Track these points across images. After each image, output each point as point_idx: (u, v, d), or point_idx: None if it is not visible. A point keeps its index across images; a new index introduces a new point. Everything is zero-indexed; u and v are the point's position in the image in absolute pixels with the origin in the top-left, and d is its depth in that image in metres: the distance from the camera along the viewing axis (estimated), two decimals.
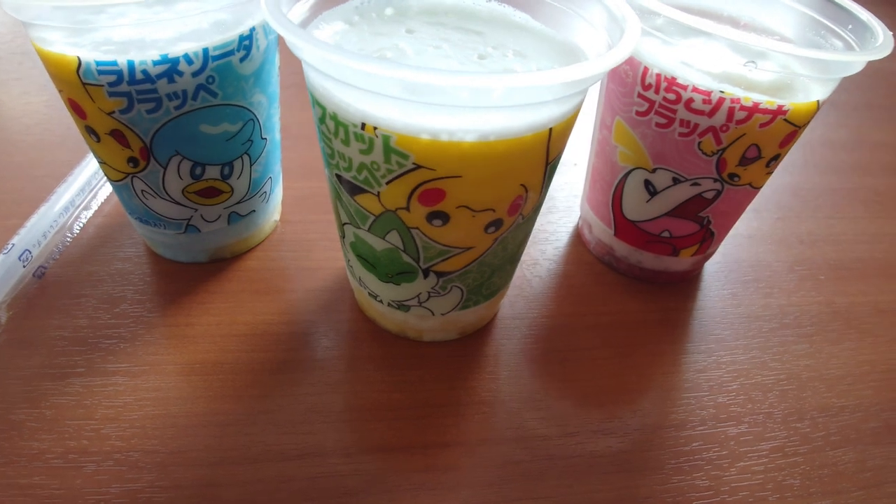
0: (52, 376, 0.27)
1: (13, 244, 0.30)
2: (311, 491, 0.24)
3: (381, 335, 0.30)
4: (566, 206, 0.39)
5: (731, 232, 0.37)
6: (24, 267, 0.30)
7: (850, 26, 0.27)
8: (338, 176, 0.23)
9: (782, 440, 0.27)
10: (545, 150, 0.21)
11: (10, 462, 0.24)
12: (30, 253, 0.31)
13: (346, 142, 0.21)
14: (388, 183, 0.21)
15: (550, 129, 0.21)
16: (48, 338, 0.28)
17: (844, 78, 0.26)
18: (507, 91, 0.18)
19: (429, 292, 0.26)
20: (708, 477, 0.26)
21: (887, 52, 0.24)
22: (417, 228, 0.22)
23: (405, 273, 0.25)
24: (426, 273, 0.24)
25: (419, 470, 0.25)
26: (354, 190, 0.22)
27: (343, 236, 0.26)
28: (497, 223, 0.23)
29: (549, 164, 0.23)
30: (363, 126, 0.20)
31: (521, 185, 0.22)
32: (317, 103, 0.21)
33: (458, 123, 0.19)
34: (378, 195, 0.22)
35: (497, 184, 0.21)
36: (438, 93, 0.18)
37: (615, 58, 0.19)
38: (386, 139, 0.20)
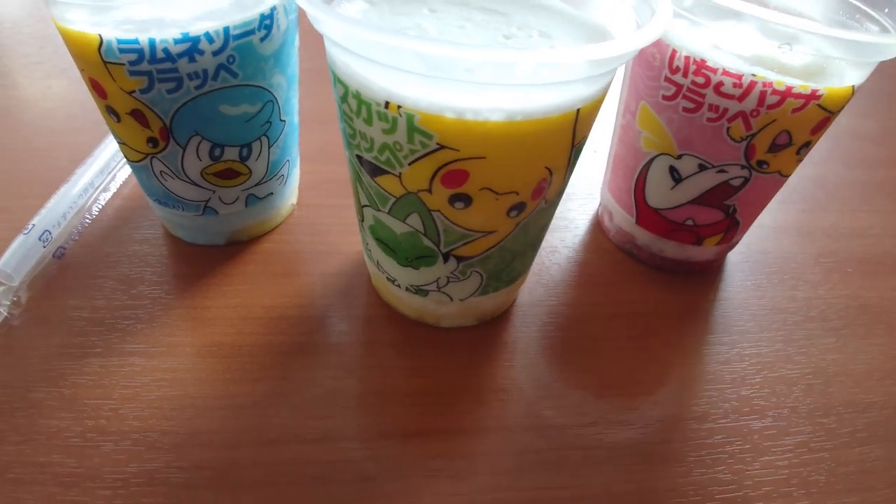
0: (70, 356, 0.27)
1: (34, 224, 0.30)
2: (330, 474, 0.24)
3: (398, 320, 0.29)
4: (586, 193, 0.39)
5: (755, 222, 0.36)
6: (44, 247, 0.30)
7: (886, 10, 0.26)
8: (358, 157, 0.22)
9: (807, 435, 0.27)
10: (572, 132, 0.21)
11: (29, 440, 0.24)
12: (50, 233, 0.31)
13: (369, 121, 0.20)
14: (410, 164, 0.21)
15: (578, 111, 0.20)
16: (67, 318, 0.28)
17: (879, 64, 0.25)
18: (536, 68, 0.17)
19: (448, 277, 0.25)
20: (731, 471, 0.25)
21: None
22: (439, 211, 0.22)
23: (425, 257, 0.24)
24: (446, 257, 0.24)
25: (436, 456, 0.25)
26: (375, 171, 0.22)
27: (362, 219, 0.26)
28: (520, 207, 0.22)
29: (575, 147, 0.22)
30: (387, 105, 0.19)
31: (546, 167, 0.22)
32: (338, 81, 0.21)
33: (485, 102, 0.19)
34: (399, 176, 0.21)
35: (522, 166, 0.21)
36: (466, 69, 0.18)
37: (648, 35, 0.18)
38: (410, 118, 0.19)
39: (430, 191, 0.21)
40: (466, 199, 0.21)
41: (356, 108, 0.21)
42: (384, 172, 0.22)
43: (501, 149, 0.20)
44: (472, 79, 0.18)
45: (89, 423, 0.25)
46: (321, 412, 0.26)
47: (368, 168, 0.22)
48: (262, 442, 0.24)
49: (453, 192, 0.21)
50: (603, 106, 0.23)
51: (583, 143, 0.23)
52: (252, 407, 0.26)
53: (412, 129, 0.19)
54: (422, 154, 0.20)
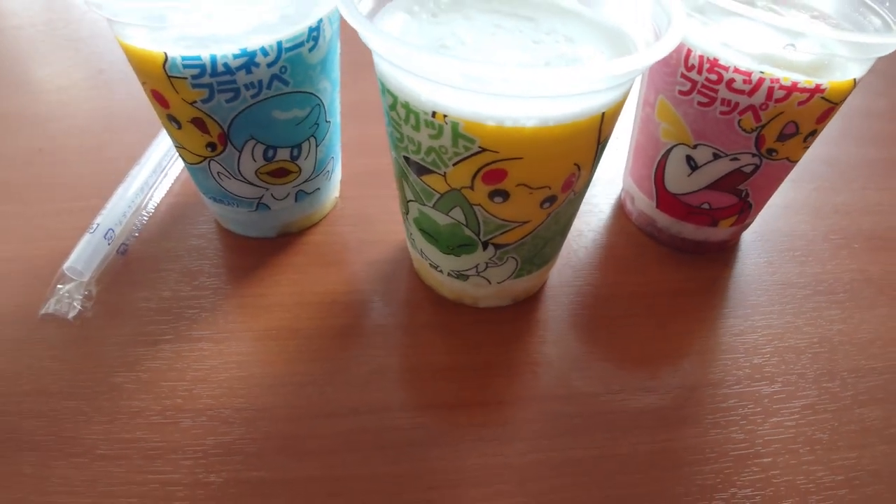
0: (144, 343, 0.30)
1: (98, 224, 0.33)
2: (383, 441, 0.26)
3: (439, 302, 0.32)
4: (608, 178, 0.41)
5: (768, 202, 0.38)
6: (108, 244, 0.33)
7: (887, 3, 0.28)
8: (406, 158, 0.25)
9: (813, 398, 0.29)
10: (598, 132, 0.23)
11: (114, 420, 0.27)
12: (113, 231, 0.33)
13: (417, 128, 0.23)
14: (454, 164, 0.23)
15: (603, 114, 0.22)
16: (136, 308, 0.31)
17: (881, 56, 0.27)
18: (571, 82, 0.20)
19: (486, 263, 0.28)
20: (743, 431, 0.28)
21: None
22: (479, 205, 0.24)
23: (466, 245, 0.27)
24: (485, 245, 0.27)
25: (477, 424, 0.27)
26: (422, 171, 0.24)
27: (406, 212, 0.28)
28: (552, 199, 0.25)
29: (600, 144, 0.24)
30: (433, 114, 0.22)
31: (575, 164, 0.24)
32: (388, 92, 0.23)
33: (521, 111, 0.21)
34: (444, 175, 0.24)
35: (553, 163, 0.23)
36: (503, 84, 0.20)
37: (663, 49, 0.20)
38: (454, 126, 0.22)
39: (471, 187, 0.24)
40: (504, 194, 0.24)
41: (405, 116, 0.23)
42: (430, 172, 0.24)
43: (536, 150, 0.22)
44: (511, 92, 0.20)
45: (167, 402, 0.28)
46: (372, 387, 0.28)
47: (415, 168, 0.25)
48: (322, 414, 0.27)
49: (493, 189, 0.24)
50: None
51: (607, 140, 0.25)
52: (310, 384, 0.28)
53: (456, 135, 0.22)
54: (465, 156, 0.23)
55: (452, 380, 0.29)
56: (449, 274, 0.29)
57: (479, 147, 0.22)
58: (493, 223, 0.25)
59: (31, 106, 0.46)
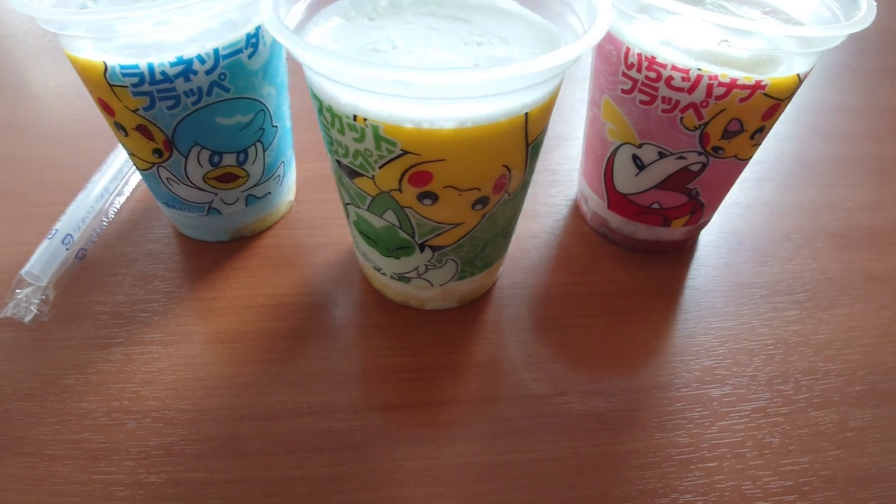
0: (96, 346, 0.30)
1: (57, 229, 0.34)
2: (322, 443, 0.27)
3: (386, 305, 0.32)
4: (567, 179, 0.41)
5: (729, 201, 0.38)
6: (66, 250, 0.33)
7: None
8: (338, 161, 0.25)
9: (765, 401, 0.29)
10: (524, 133, 0.23)
11: (62, 421, 0.27)
12: (71, 237, 0.34)
13: (342, 131, 0.23)
14: (380, 167, 0.23)
15: (526, 114, 0.22)
16: (91, 312, 0.32)
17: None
18: (476, 84, 0.20)
19: (426, 265, 0.28)
20: (689, 435, 0.27)
21: (867, 23, 0.25)
22: (410, 207, 0.24)
23: (403, 248, 0.27)
24: (422, 248, 0.27)
25: (420, 425, 0.27)
26: (353, 174, 0.25)
27: (347, 215, 0.29)
28: (483, 201, 0.25)
29: (531, 145, 0.24)
30: (355, 117, 0.22)
31: (504, 165, 0.24)
32: (315, 97, 0.24)
33: (438, 113, 0.21)
34: (373, 178, 0.24)
35: (479, 165, 0.23)
36: (416, 87, 0.20)
37: (577, 50, 0.20)
38: (375, 129, 0.22)
39: (400, 190, 0.24)
40: (433, 196, 0.24)
41: (330, 120, 0.23)
42: (360, 175, 0.24)
43: (458, 152, 0.22)
44: (425, 95, 0.20)
45: (114, 404, 0.28)
46: (315, 388, 0.29)
47: (347, 171, 0.25)
48: (263, 416, 0.27)
49: (420, 191, 0.24)
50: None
51: (539, 141, 0.25)
52: (254, 385, 0.29)
53: (378, 138, 0.22)
54: (389, 159, 0.23)
55: (397, 382, 0.29)
56: (392, 276, 0.30)
57: (401, 150, 0.22)
58: (426, 225, 0.25)
59: (7, 114, 0.47)
